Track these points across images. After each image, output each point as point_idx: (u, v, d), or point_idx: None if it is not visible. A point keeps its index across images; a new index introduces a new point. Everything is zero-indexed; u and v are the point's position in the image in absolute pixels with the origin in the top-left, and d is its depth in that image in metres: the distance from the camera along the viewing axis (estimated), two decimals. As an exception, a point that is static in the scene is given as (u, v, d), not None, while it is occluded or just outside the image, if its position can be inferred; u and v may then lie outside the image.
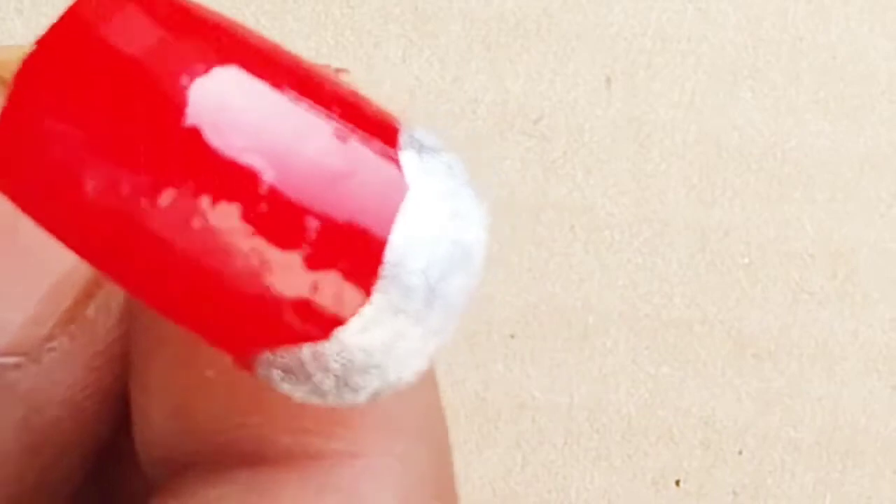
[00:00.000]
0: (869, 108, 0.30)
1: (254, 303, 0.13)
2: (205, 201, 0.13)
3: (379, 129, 0.14)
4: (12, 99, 0.13)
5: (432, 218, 0.14)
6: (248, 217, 0.13)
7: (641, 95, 0.29)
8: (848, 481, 0.29)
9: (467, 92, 0.29)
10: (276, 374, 0.14)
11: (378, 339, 0.14)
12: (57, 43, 0.13)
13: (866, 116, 0.30)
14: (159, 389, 0.16)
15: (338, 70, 0.15)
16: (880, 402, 0.29)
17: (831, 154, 0.30)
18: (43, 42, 0.13)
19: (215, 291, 0.13)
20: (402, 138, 0.14)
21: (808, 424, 0.29)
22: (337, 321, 0.13)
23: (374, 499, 0.15)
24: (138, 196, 0.13)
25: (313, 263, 0.13)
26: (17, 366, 0.15)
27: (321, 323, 0.13)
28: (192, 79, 0.13)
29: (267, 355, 0.14)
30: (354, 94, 0.14)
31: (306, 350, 0.13)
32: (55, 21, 0.13)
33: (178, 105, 0.13)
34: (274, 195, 0.13)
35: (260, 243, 0.13)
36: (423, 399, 0.16)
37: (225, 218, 0.13)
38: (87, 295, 0.16)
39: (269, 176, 0.13)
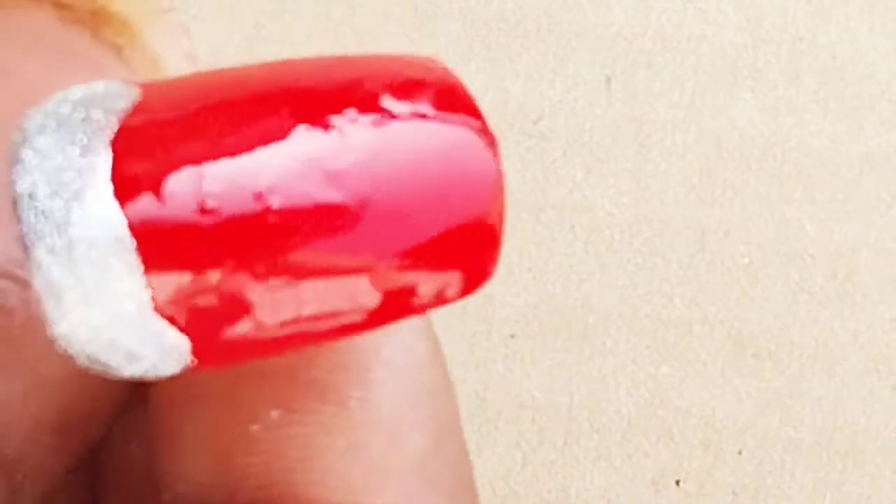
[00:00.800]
0: (869, 108, 0.30)
1: None
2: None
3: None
4: None
5: None
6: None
7: (641, 95, 0.29)
8: (848, 481, 0.29)
9: (467, 92, 0.29)
10: None
11: None
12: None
13: (866, 116, 0.30)
14: (196, 445, 0.15)
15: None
16: (880, 402, 0.29)
17: (831, 154, 0.30)
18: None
19: None
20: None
21: (808, 424, 0.29)
22: None
23: None
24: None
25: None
26: None
27: None
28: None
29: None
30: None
31: None
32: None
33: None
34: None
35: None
36: (461, 459, 0.16)
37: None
38: None
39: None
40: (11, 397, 0.15)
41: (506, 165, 0.29)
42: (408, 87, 0.14)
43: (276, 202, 0.13)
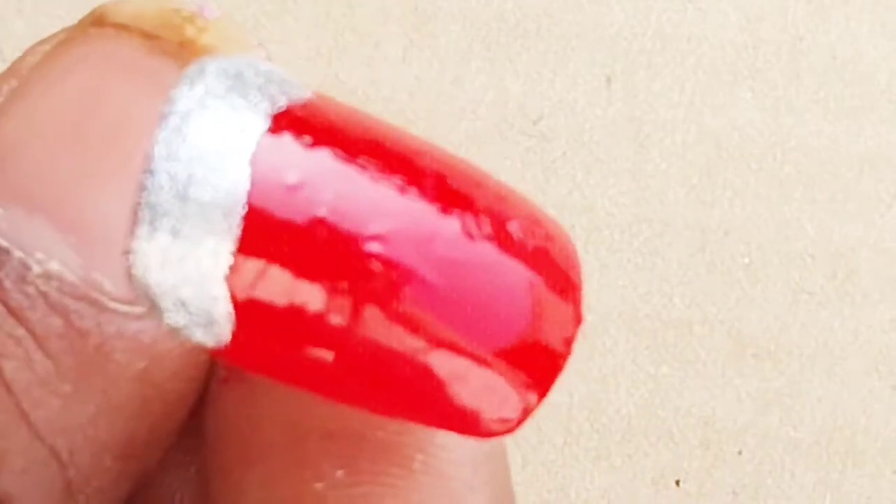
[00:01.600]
0: (869, 108, 0.30)
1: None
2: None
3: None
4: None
5: None
6: None
7: (641, 95, 0.29)
8: (848, 481, 0.29)
9: (467, 92, 0.29)
10: None
11: None
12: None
13: (866, 116, 0.30)
14: (258, 501, 0.16)
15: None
16: (880, 402, 0.29)
17: (831, 154, 0.30)
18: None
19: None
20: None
21: (808, 424, 0.29)
22: None
23: None
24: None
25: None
26: (140, 316, 0.15)
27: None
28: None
29: None
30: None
31: None
32: None
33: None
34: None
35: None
36: None
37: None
38: None
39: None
40: (83, 420, 0.15)
41: (505, 165, 0.29)
42: (533, 227, 0.14)
43: (379, 249, 0.14)
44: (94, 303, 0.15)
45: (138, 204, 0.14)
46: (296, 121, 0.14)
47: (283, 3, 0.29)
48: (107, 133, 0.15)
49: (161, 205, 0.14)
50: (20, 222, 0.15)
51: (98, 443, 0.15)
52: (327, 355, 0.14)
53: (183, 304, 0.14)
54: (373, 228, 0.14)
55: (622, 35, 0.29)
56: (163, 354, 0.15)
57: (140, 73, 0.15)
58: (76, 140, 0.15)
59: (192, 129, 0.14)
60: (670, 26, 0.29)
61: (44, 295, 0.14)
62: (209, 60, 0.14)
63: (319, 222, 0.14)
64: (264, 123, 0.14)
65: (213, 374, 0.16)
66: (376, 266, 0.14)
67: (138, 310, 0.15)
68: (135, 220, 0.14)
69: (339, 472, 0.15)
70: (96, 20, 0.16)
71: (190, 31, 0.15)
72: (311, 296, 0.14)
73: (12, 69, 0.16)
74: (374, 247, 0.14)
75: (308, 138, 0.14)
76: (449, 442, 0.16)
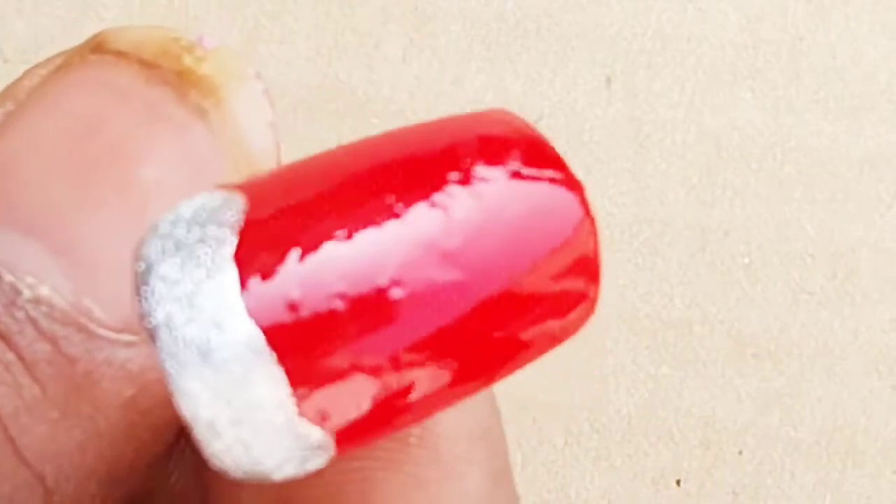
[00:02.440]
0: (869, 108, 0.30)
1: None
2: None
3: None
4: None
5: None
6: None
7: (641, 95, 0.29)
8: (848, 481, 0.29)
9: (467, 92, 0.29)
10: None
11: None
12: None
13: (866, 116, 0.30)
14: None
15: None
16: (880, 402, 0.29)
17: (831, 154, 0.30)
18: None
19: None
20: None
21: (808, 424, 0.29)
22: None
23: None
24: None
25: None
26: (129, 344, 0.15)
27: None
28: None
29: None
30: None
31: None
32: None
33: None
34: None
35: None
36: (514, 502, 0.17)
37: None
38: None
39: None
40: (70, 446, 0.15)
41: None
42: (497, 150, 0.14)
43: (399, 294, 0.13)
44: (83, 329, 0.15)
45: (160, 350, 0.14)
46: (253, 242, 0.13)
47: (283, 3, 0.29)
48: (102, 159, 0.15)
49: (207, 408, 0.13)
50: (12, 245, 0.15)
51: (84, 469, 0.15)
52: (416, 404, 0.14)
53: (283, 459, 0.14)
54: (385, 279, 0.13)
55: (622, 35, 0.29)
56: (151, 382, 0.15)
57: (137, 101, 0.15)
58: (71, 165, 0.15)
59: (183, 330, 0.13)
60: (670, 26, 0.29)
61: (33, 320, 0.14)
62: (143, 246, 0.14)
63: (337, 314, 0.13)
64: (232, 273, 0.13)
65: None
66: (405, 306, 0.14)
67: (127, 337, 0.15)
68: (195, 431, 0.14)
69: None
70: (96, 46, 0.16)
71: (188, 61, 0.15)
72: (376, 379, 0.14)
73: (8, 91, 0.16)
74: (396, 293, 0.14)
75: (277, 249, 0.13)
76: (444, 417, 0.16)
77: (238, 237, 0.13)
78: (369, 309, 0.13)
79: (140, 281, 0.13)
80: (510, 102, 0.29)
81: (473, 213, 0.14)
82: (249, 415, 0.13)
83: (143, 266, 0.13)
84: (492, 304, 0.14)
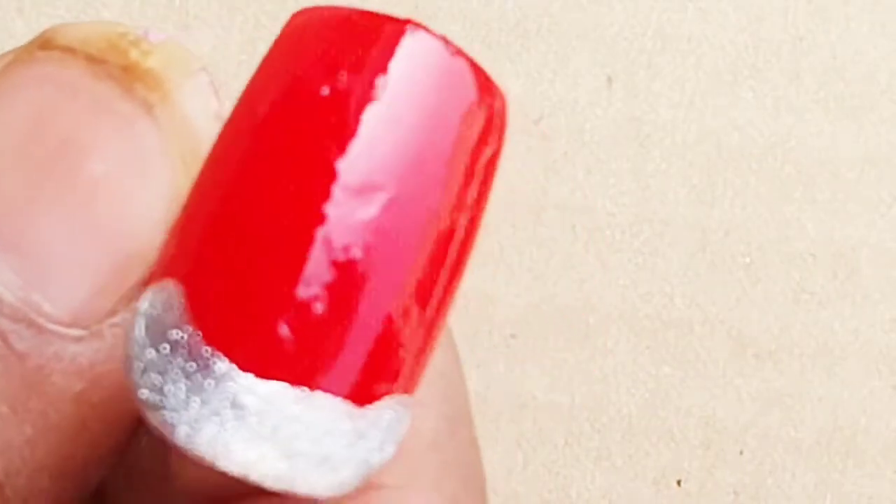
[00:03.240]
0: (869, 108, 0.30)
1: None
2: None
3: None
4: None
5: None
6: None
7: (642, 95, 0.29)
8: (848, 481, 0.29)
9: (467, 92, 0.29)
10: None
11: None
12: None
13: (866, 116, 0.30)
14: None
15: None
16: (880, 402, 0.29)
17: (831, 154, 0.30)
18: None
19: None
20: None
21: (809, 424, 0.29)
22: None
23: None
24: None
25: None
26: (79, 339, 0.15)
27: None
28: None
29: None
30: None
31: None
32: None
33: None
34: None
35: None
36: (472, 444, 0.17)
37: None
38: None
39: None
40: (20, 441, 0.15)
41: (506, 166, 0.29)
42: (343, 57, 0.15)
43: (358, 254, 0.14)
44: (32, 324, 0.15)
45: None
46: (211, 328, 0.14)
47: (283, 3, 0.29)
48: (51, 155, 0.15)
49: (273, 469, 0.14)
50: None
51: (35, 463, 0.15)
52: None
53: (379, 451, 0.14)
54: (337, 251, 0.14)
55: (622, 35, 0.29)
56: (101, 376, 0.15)
57: (84, 96, 0.15)
58: (20, 161, 0.15)
59: (208, 437, 0.14)
60: (670, 26, 0.29)
61: None
62: (131, 374, 0.14)
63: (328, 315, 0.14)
64: (217, 363, 0.13)
65: None
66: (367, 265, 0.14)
67: (77, 332, 0.15)
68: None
69: None
70: (44, 43, 0.16)
71: (135, 55, 0.16)
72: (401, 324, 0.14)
73: None
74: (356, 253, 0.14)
75: (238, 317, 0.14)
76: None
77: (192, 327, 0.14)
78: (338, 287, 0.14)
79: (143, 409, 0.14)
80: (510, 102, 0.29)
81: (376, 120, 0.14)
82: (323, 444, 0.14)
83: (145, 394, 0.14)
84: (420, 190, 0.14)
